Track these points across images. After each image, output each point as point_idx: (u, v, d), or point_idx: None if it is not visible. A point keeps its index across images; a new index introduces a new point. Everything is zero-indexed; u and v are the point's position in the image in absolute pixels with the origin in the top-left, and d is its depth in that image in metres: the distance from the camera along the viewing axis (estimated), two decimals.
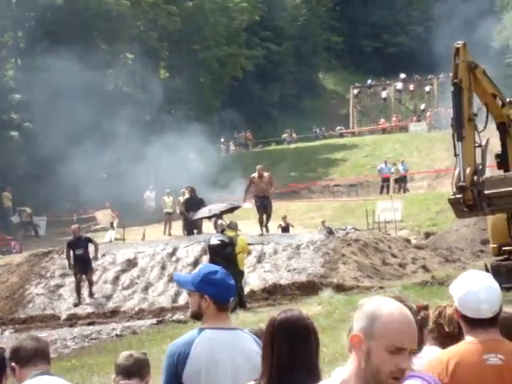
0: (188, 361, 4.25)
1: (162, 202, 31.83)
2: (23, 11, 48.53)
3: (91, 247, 22.12)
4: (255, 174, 23.77)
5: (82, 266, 21.48)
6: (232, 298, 4.47)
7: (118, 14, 47.94)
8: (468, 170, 13.66)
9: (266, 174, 23.79)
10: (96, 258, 22.34)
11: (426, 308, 4.21)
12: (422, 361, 4.20)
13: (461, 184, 13.67)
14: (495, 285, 3.81)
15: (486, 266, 16.39)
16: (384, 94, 67.16)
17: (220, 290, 4.36)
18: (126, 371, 4.87)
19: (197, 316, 4.48)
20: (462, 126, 13.83)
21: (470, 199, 13.71)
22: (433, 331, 4.65)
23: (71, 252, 21.79)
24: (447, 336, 4.31)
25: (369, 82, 69.07)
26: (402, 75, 68.24)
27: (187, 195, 26.58)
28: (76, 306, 21.16)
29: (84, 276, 21.57)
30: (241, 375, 4.22)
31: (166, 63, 57.99)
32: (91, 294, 21.67)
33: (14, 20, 48.08)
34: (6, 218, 40.59)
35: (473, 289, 3.75)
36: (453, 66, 14.29)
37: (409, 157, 46.10)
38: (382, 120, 63.15)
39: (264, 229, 24.04)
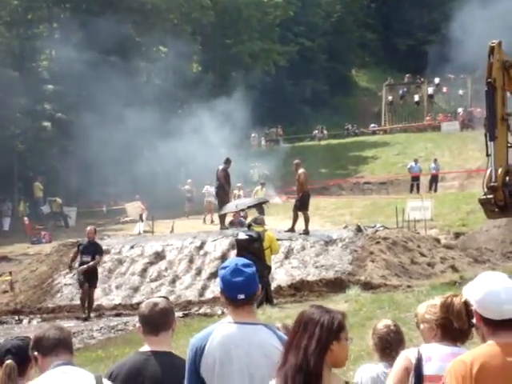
0: (204, 354, 4.25)
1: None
2: (59, 2, 48.92)
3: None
4: None
5: (87, 276, 19.00)
6: (242, 296, 4.31)
7: (152, 6, 48.11)
8: (500, 171, 13.47)
9: (299, 171, 22.61)
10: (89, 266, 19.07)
11: None
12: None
13: (492, 184, 13.49)
14: None
15: None
16: (416, 98, 66.06)
17: (224, 286, 4.35)
18: (152, 322, 4.71)
19: None
20: (494, 125, 13.63)
21: (502, 200, 13.52)
22: (441, 326, 4.52)
23: (79, 257, 19.40)
24: (458, 332, 4.23)
25: (400, 92, 67.63)
26: (436, 79, 67.08)
27: (224, 165, 25.38)
28: (86, 320, 18.73)
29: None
30: (257, 371, 4.19)
31: (199, 57, 57.99)
32: (89, 314, 19.01)
33: (48, 11, 48.47)
34: (37, 208, 41.03)
35: (492, 290, 3.64)
36: (487, 65, 14.10)
37: (440, 156, 45.74)
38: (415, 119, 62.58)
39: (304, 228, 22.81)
